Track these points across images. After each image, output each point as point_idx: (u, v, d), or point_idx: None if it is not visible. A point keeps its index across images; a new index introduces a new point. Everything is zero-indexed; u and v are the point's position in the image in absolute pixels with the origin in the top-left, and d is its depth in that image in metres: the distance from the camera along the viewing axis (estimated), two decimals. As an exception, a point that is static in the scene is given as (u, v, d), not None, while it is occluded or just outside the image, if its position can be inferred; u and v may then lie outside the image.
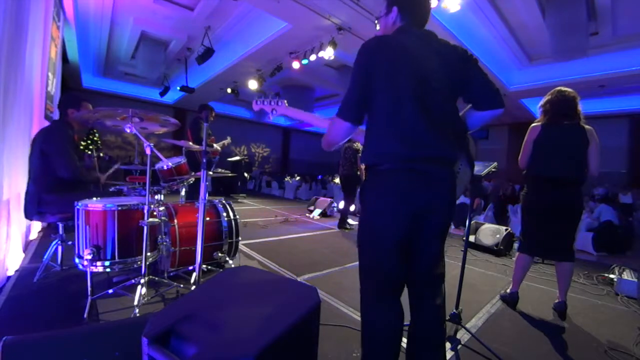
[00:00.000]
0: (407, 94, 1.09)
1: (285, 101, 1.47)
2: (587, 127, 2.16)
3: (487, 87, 1.16)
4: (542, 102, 2.30)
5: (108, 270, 2.02)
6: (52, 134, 2.24)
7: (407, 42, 1.14)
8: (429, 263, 1.20)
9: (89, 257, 1.78)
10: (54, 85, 4.50)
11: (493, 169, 1.99)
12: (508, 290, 2.45)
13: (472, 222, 4.61)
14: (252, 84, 8.05)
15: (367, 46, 1.15)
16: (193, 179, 2.74)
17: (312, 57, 6.19)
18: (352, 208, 5.35)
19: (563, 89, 2.23)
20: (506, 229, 4.13)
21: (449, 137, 1.14)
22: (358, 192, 5.13)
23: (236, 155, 12.59)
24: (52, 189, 2.19)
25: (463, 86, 1.18)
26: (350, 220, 5.28)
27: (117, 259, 1.89)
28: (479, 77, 1.17)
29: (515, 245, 4.15)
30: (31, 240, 3.24)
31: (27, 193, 2.22)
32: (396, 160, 1.10)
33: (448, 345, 1.76)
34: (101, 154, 3.01)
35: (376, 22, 1.36)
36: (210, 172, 2.45)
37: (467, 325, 1.97)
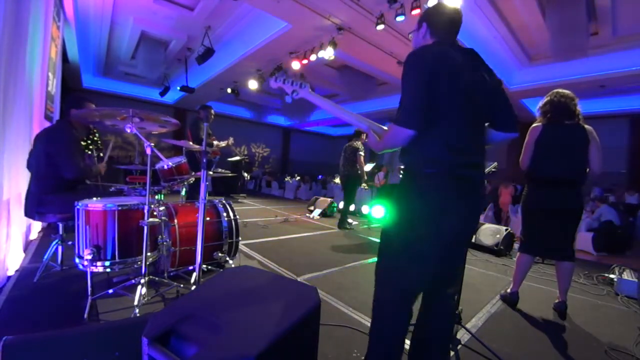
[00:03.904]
0: (458, 106, 1.14)
1: (309, 85, 1.42)
2: (587, 126, 2.16)
3: (509, 112, 1.25)
4: (541, 104, 2.30)
5: (108, 270, 2.02)
6: (57, 134, 2.23)
7: (459, 59, 1.17)
8: (453, 267, 1.27)
9: (89, 257, 1.78)
10: (54, 85, 4.50)
11: (493, 169, 1.99)
12: (508, 290, 2.45)
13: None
14: (252, 84, 8.05)
15: (429, 53, 1.15)
16: (193, 179, 2.74)
17: (312, 57, 6.19)
18: (352, 208, 5.35)
19: (561, 90, 2.24)
20: (506, 229, 4.12)
21: (483, 148, 1.24)
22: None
23: (236, 155, 12.57)
24: (54, 189, 2.19)
25: (492, 107, 1.25)
26: (350, 220, 5.28)
27: (117, 259, 1.88)
28: (505, 102, 1.25)
29: (516, 245, 4.15)
30: (31, 240, 3.24)
31: (28, 192, 2.22)
32: (444, 166, 1.13)
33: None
34: (101, 154, 3.01)
35: (410, 35, 1.39)
36: (210, 172, 2.45)
37: (467, 325, 1.97)
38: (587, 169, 2.17)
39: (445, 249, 1.18)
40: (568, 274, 2.25)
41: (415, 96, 1.12)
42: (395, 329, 1.18)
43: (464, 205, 1.15)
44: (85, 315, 1.75)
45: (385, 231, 1.25)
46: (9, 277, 2.24)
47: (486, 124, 1.28)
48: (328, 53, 5.69)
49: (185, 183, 2.77)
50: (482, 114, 1.22)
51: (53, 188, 2.18)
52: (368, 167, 5.41)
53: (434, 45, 1.23)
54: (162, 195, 2.76)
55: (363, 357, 1.29)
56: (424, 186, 1.15)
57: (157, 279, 2.16)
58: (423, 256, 1.15)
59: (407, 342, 1.28)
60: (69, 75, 8.55)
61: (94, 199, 2.02)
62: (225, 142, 4.51)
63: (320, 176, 13.04)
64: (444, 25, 1.26)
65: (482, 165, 1.22)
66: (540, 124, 2.26)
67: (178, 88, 8.76)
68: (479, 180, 1.20)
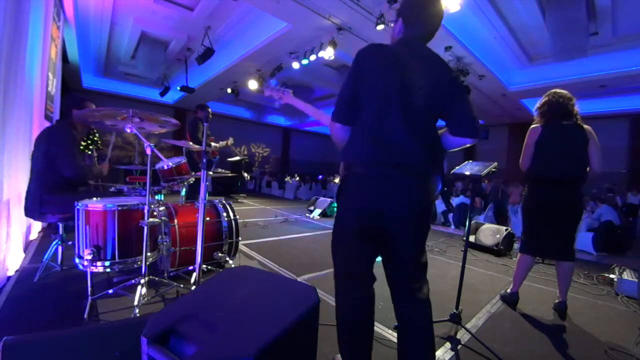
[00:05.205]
0: (388, 102, 1.13)
1: (291, 91, 1.60)
2: (585, 126, 2.16)
3: (465, 115, 1.16)
4: (538, 104, 2.31)
5: (108, 270, 2.02)
6: (56, 134, 2.23)
7: (400, 53, 1.17)
8: (403, 268, 1.22)
9: (89, 257, 1.78)
10: (54, 86, 4.50)
11: (493, 169, 1.99)
12: (508, 290, 2.45)
13: (472, 222, 4.61)
14: (252, 84, 8.06)
15: (361, 52, 1.20)
16: (193, 179, 2.74)
17: (312, 57, 6.20)
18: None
19: (559, 90, 2.24)
20: (506, 229, 4.12)
21: (426, 149, 1.15)
22: None
23: (236, 155, 12.58)
24: (54, 189, 2.19)
25: (445, 107, 1.18)
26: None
27: (117, 259, 1.88)
28: (461, 104, 1.17)
29: (516, 245, 4.15)
30: (31, 240, 3.24)
31: (28, 192, 2.22)
32: (369, 164, 1.15)
33: (448, 345, 1.76)
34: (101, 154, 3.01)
35: (390, 24, 1.42)
36: (210, 172, 2.45)
37: (467, 325, 1.97)
38: (587, 169, 2.17)
39: (362, 240, 1.19)
40: (568, 274, 2.25)
41: (342, 92, 1.20)
42: (343, 307, 1.31)
43: (376, 200, 1.13)
44: (85, 315, 1.75)
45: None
46: (9, 277, 2.24)
47: (439, 130, 1.23)
48: (328, 53, 5.69)
49: (185, 183, 2.77)
50: (425, 115, 1.15)
51: (53, 188, 2.18)
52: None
53: (394, 42, 1.26)
54: (162, 195, 2.76)
55: None
56: (346, 178, 1.23)
57: (157, 279, 2.16)
58: (344, 245, 1.25)
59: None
60: (69, 75, 8.55)
61: (94, 199, 2.02)
62: (224, 142, 4.51)
63: (320, 176, 13.03)
64: (415, 21, 1.22)
65: (419, 169, 1.14)
66: (538, 124, 2.26)
67: (178, 88, 8.77)
68: (408, 183, 1.13)
